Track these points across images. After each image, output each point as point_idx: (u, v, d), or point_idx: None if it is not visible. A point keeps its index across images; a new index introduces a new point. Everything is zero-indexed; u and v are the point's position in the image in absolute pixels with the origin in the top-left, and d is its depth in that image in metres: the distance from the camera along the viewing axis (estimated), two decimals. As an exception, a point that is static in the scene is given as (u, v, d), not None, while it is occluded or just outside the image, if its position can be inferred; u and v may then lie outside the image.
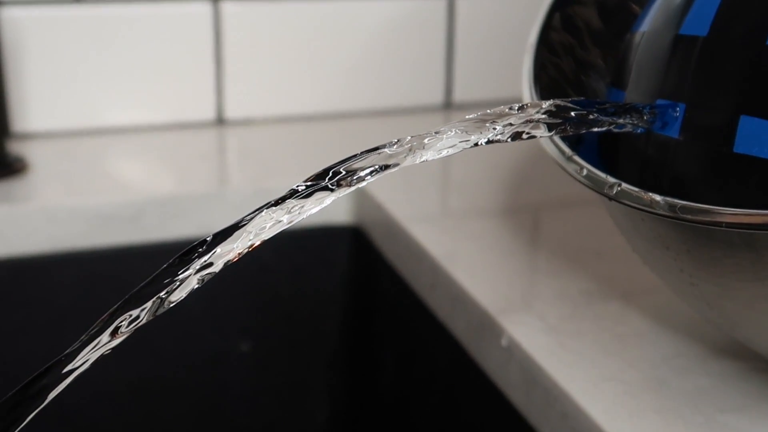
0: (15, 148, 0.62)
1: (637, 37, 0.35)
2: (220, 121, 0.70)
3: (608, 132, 0.31)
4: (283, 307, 0.61)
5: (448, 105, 0.74)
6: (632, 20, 0.37)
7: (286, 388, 0.62)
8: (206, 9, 0.67)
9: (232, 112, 0.70)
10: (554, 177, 0.62)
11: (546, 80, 0.37)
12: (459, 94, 0.74)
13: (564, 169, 0.32)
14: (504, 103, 0.80)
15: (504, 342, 0.42)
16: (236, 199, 0.58)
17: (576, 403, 0.36)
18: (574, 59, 0.38)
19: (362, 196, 0.58)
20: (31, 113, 0.65)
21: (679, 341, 0.40)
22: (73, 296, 0.57)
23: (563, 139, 0.33)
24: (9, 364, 0.56)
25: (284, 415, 0.63)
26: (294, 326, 0.62)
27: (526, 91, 0.37)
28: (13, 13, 0.63)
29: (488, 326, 0.43)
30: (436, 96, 0.74)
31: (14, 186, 0.58)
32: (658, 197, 0.28)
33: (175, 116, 0.69)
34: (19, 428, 0.25)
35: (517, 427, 0.41)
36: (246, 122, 0.70)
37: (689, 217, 0.27)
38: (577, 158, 0.32)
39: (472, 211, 0.56)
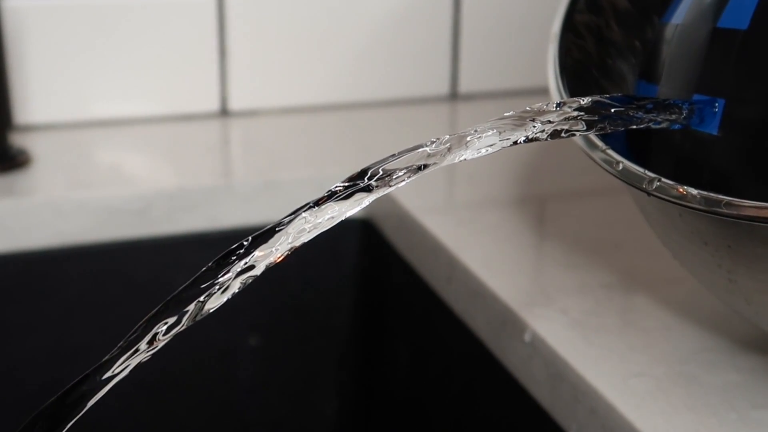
0: (18, 140, 0.61)
1: (669, 29, 0.34)
2: (225, 112, 0.69)
3: (640, 129, 0.30)
4: (293, 301, 0.61)
5: (454, 96, 0.73)
6: (659, 2, 0.37)
7: (295, 382, 0.62)
8: (210, -2, 0.66)
9: (236, 103, 0.69)
10: (565, 168, 0.62)
11: (571, 65, 0.36)
12: (465, 85, 0.73)
13: (598, 163, 0.32)
14: (509, 93, 0.80)
15: (527, 337, 0.41)
16: (245, 191, 0.58)
17: (606, 400, 0.36)
18: (598, 41, 0.37)
19: (372, 189, 0.57)
20: (33, 105, 0.64)
21: (705, 335, 0.40)
22: (80, 291, 0.56)
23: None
24: (16, 360, 0.56)
25: (293, 409, 0.62)
26: (303, 321, 0.61)
27: (551, 78, 0.37)
28: (15, 2, 0.62)
29: (510, 321, 0.42)
30: (442, 87, 0.73)
31: (18, 179, 0.57)
32: (701, 193, 0.27)
33: (179, 108, 0.68)
34: None
35: (541, 423, 0.40)
36: (250, 113, 0.69)
37: (734, 213, 0.26)
38: (611, 152, 0.31)
39: (485, 202, 0.55)
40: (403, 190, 0.55)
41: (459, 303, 0.48)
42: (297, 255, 0.66)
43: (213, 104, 0.68)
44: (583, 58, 0.36)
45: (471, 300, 0.46)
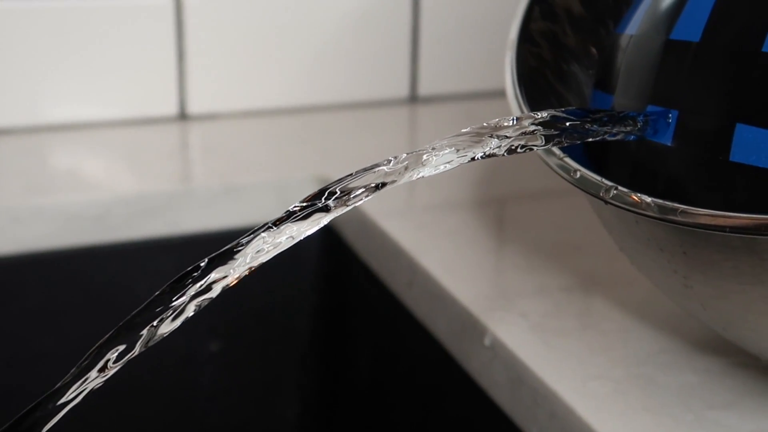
0: (-28, 146, 0.60)
1: (624, 39, 0.34)
2: (183, 116, 0.68)
3: (601, 141, 0.31)
4: (254, 306, 0.60)
5: (414, 98, 0.74)
6: (613, 7, 0.37)
7: (257, 387, 0.62)
8: (168, 2, 0.65)
9: (195, 106, 0.68)
10: (524, 171, 0.62)
11: (528, 72, 0.36)
12: (424, 88, 0.74)
13: (556, 171, 0.32)
14: (469, 95, 0.80)
15: (487, 341, 0.41)
16: (205, 196, 0.57)
17: (565, 403, 0.36)
18: (555, 48, 0.38)
19: (333, 193, 0.57)
20: (-12, 110, 0.64)
21: (662, 337, 0.40)
22: (38, 298, 0.55)
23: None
24: (-28, 370, 0.55)
25: (255, 414, 0.62)
26: (265, 326, 0.61)
27: (509, 85, 0.37)
28: (-33, 6, 0.61)
29: (470, 324, 0.43)
30: (402, 89, 0.73)
31: (-27, 186, 0.56)
32: (656, 201, 0.28)
33: (137, 111, 0.67)
34: None
35: (502, 426, 0.41)
36: (210, 117, 0.69)
37: (690, 221, 0.27)
38: (568, 160, 0.32)
39: (445, 206, 0.56)
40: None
41: (420, 307, 0.48)
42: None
43: (171, 108, 0.68)
44: (540, 64, 0.37)
45: (432, 304, 0.46)
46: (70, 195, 0.55)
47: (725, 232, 0.26)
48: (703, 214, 0.26)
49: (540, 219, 0.54)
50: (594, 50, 0.37)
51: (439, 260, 0.47)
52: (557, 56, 0.37)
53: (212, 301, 0.63)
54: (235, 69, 0.69)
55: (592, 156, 0.34)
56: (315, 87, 0.71)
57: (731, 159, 0.28)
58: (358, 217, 0.55)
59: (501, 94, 0.75)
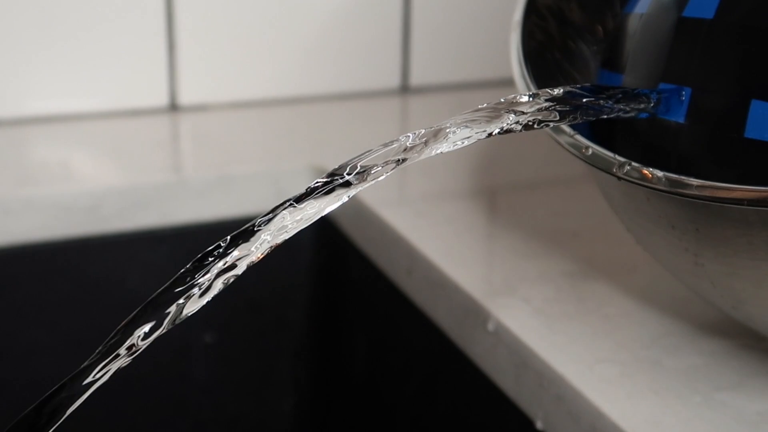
0: (-39, 137, 0.59)
1: (633, 19, 0.34)
2: (174, 107, 0.68)
3: (615, 118, 0.31)
4: (248, 297, 0.60)
5: (405, 89, 0.73)
6: None
7: (252, 379, 0.61)
8: (158, -9, 0.65)
9: (185, 97, 0.68)
10: (518, 159, 0.62)
11: (534, 50, 0.36)
12: (416, 78, 0.73)
13: (567, 149, 0.32)
14: (461, 85, 0.80)
15: (491, 327, 0.41)
16: (197, 187, 0.57)
17: (572, 386, 0.36)
18: (561, 25, 0.37)
19: (327, 182, 0.57)
20: (-24, 101, 0.63)
21: (666, 320, 0.40)
22: (30, 290, 0.55)
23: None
24: (-36, 363, 0.54)
25: (250, 406, 0.61)
26: (258, 316, 0.60)
27: (515, 64, 0.37)
28: (-46, -5, 0.60)
29: (473, 311, 0.43)
30: (393, 79, 0.73)
31: (-37, 177, 0.55)
32: (672, 176, 0.28)
33: (127, 103, 0.66)
34: None
35: (506, 411, 0.41)
36: (200, 108, 0.68)
37: (708, 195, 0.26)
38: (579, 137, 0.31)
39: (441, 194, 0.55)
40: (359, 182, 0.55)
41: (420, 295, 0.47)
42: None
43: (162, 99, 0.67)
44: (546, 41, 0.36)
45: (432, 291, 0.46)
46: (61, 186, 0.55)
47: (743, 205, 0.26)
48: (721, 188, 0.26)
49: (536, 207, 0.54)
50: (600, 29, 0.36)
51: (439, 247, 0.47)
52: (564, 34, 0.37)
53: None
54: (226, 60, 0.68)
55: (601, 138, 0.34)
56: (306, 77, 0.70)
57: (746, 135, 0.28)
58: (354, 206, 0.54)
59: (493, 83, 0.75)
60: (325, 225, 0.58)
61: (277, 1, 0.68)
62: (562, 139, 0.32)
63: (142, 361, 0.60)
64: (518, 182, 0.58)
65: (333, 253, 0.58)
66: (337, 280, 0.59)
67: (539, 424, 0.38)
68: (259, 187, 0.58)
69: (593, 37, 0.36)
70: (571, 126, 0.32)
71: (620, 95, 0.30)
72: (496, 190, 0.57)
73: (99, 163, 0.60)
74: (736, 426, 0.34)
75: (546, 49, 0.36)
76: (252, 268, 0.65)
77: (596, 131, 0.35)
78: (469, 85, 0.74)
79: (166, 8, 0.65)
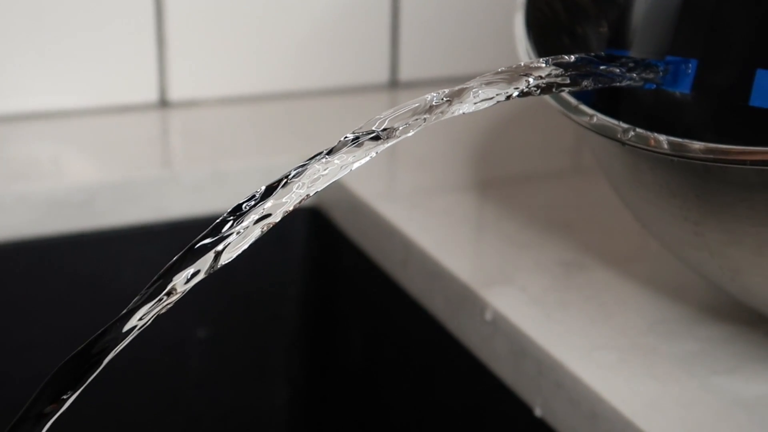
0: (-49, 133, 0.59)
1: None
2: (164, 103, 0.68)
3: (619, 87, 0.31)
4: (241, 291, 0.60)
5: (394, 83, 0.74)
6: None
7: (245, 373, 0.61)
8: (147, -13, 0.65)
9: (175, 93, 0.68)
10: (512, 152, 0.62)
11: (539, 27, 0.37)
12: (405, 73, 0.74)
13: (572, 118, 0.33)
14: (450, 80, 0.80)
15: (488, 316, 0.41)
16: (190, 182, 0.57)
17: (571, 372, 0.36)
18: (566, 9, 0.38)
19: (320, 176, 0.57)
20: (-35, 97, 0.62)
21: (662, 307, 0.41)
22: (23, 286, 0.54)
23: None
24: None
25: (244, 400, 0.61)
26: (252, 311, 0.60)
27: (520, 46, 0.37)
28: (-57, -9, 0.60)
29: (469, 300, 0.43)
30: (382, 75, 0.73)
31: (-46, 173, 0.55)
32: (677, 140, 0.28)
33: (117, 99, 0.66)
34: (82, 387, 0.25)
35: (504, 399, 0.41)
36: (191, 104, 0.68)
37: (712, 156, 0.27)
38: (584, 107, 0.32)
39: (434, 187, 0.56)
40: (353, 176, 0.55)
41: (415, 286, 0.48)
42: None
43: (152, 94, 0.67)
44: (552, 22, 0.37)
45: (428, 282, 0.46)
46: (54, 182, 0.54)
47: (745, 165, 0.26)
48: (724, 149, 0.27)
49: (529, 199, 0.54)
50: (606, 10, 0.37)
51: (434, 238, 0.47)
52: (569, 14, 0.37)
53: (198, 286, 0.63)
54: (215, 55, 0.68)
55: (605, 110, 0.35)
56: (296, 72, 0.71)
57: (750, 104, 0.29)
58: (347, 198, 0.55)
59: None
60: (318, 218, 0.59)
61: (266, -3, 0.68)
62: (568, 110, 0.32)
63: (136, 356, 0.60)
64: (511, 175, 0.58)
65: (327, 247, 0.59)
66: (331, 274, 0.59)
67: (538, 411, 0.39)
68: (250, 181, 0.59)
69: (599, 18, 0.37)
70: (576, 98, 0.33)
71: (632, 64, 0.31)
72: (489, 182, 0.57)
73: (90, 159, 0.59)
74: (733, 409, 0.34)
75: (551, 30, 0.37)
76: (245, 263, 0.65)
77: (600, 106, 0.35)
78: (458, 80, 0.74)
79: (155, 3, 0.65)
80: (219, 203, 0.57)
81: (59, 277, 0.55)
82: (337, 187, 0.56)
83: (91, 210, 0.55)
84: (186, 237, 0.60)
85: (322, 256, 0.59)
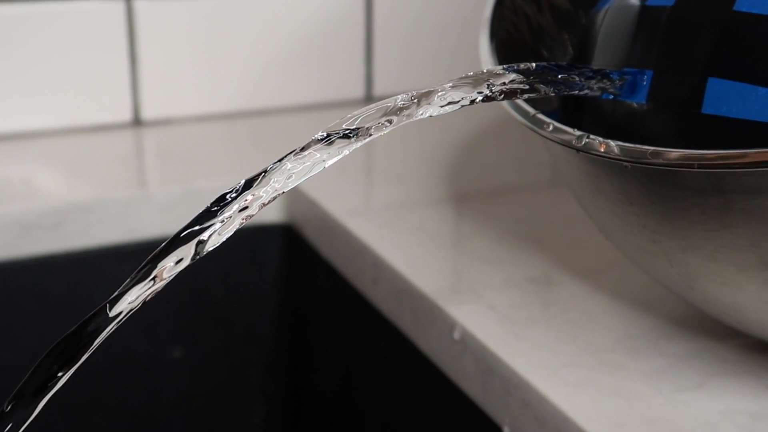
0: None
1: (600, 14, 0.35)
2: (137, 122, 0.68)
3: (576, 96, 0.32)
4: (215, 310, 0.60)
5: (369, 98, 0.74)
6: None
7: (221, 392, 0.61)
8: (118, 6, 0.65)
9: (149, 112, 0.68)
10: (481, 167, 0.62)
11: (503, 53, 0.37)
12: (379, 88, 0.74)
13: (529, 126, 0.33)
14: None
15: (456, 334, 0.41)
16: (162, 202, 0.57)
17: (537, 391, 0.36)
18: (530, 28, 0.39)
19: (293, 193, 0.57)
20: (-64, 119, 0.62)
21: (630, 322, 0.41)
22: (-6, 310, 0.54)
23: (525, 100, 0.34)
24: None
25: (220, 420, 0.61)
26: (227, 329, 0.60)
27: (485, 65, 0.38)
28: None
29: (439, 318, 0.43)
30: (357, 90, 0.73)
31: (-76, 197, 0.55)
32: (627, 145, 0.29)
33: (90, 119, 0.66)
34: (73, 369, 0.27)
35: (473, 417, 0.41)
36: (164, 122, 0.68)
37: (660, 161, 0.27)
38: (541, 116, 0.33)
39: (405, 203, 0.56)
40: (325, 194, 0.55)
41: (386, 303, 0.48)
42: (218, 263, 0.64)
43: (125, 114, 0.67)
44: (519, 42, 0.38)
45: (398, 300, 0.46)
46: (25, 204, 0.54)
47: (693, 168, 0.27)
48: (672, 153, 0.27)
49: (499, 214, 0.54)
50: (569, 30, 0.38)
51: (404, 256, 0.47)
52: (533, 35, 0.38)
53: (173, 306, 0.62)
54: (189, 73, 0.68)
55: (567, 122, 0.35)
56: (270, 89, 0.71)
57: (703, 111, 0.29)
58: (319, 215, 0.55)
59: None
60: (291, 236, 0.59)
61: (239, 15, 0.68)
62: (525, 118, 0.33)
63: (110, 377, 0.59)
64: (484, 190, 0.58)
65: (300, 265, 0.58)
66: (304, 292, 0.59)
67: (506, 430, 0.39)
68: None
69: (563, 40, 0.38)
70: (544, 112, 0.34)
71: (590, 73, 0.32)
72: (462, 197, 0.57)
73: (62, 180, 0.59)
74: (698, 426, 0.34)
75: (517, 51, 0.37)
76: (219, 281, 0.64)
77: (565, 119, 0.36)
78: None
79: (127, 22, 0.65)
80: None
81: (31, 300, 0.55)
82: (308, 203, 0.56)
83: (62, 232, 0.55)
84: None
85: (296, 274, 0.59)
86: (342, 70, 0.72)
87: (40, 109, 0.65)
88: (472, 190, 0.59)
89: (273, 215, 0.59)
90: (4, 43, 0.63)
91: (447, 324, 0.42)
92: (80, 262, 0.56)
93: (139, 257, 0.59)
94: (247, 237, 0.59)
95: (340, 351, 0.55)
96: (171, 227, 0.57)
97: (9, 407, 0.26)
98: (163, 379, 0.59)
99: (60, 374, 0.27)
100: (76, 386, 0.58)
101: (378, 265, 0.48)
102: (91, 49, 0.65)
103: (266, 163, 0.65)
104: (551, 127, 0.32)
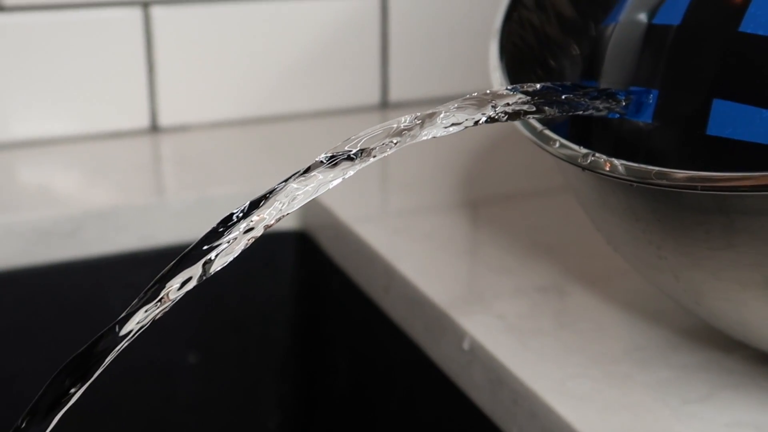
0: (-59, 164, 0.60)
1: (609, 30, 0.36)
2: (155, 128, 0.68)
3: (583, 116, 0.32)
4: (230, 316, 0.60)
5: (385, 104, 0.74)
6: (601, 6, 0.38)
7: (236, 398, 0.61)
8: (136, 14, 0.65)
9: (166, 118, 0.68)
10: (494, 174, 0.63)
11: (512, 65, 0.38)
12: (395, 94, 0.74)
13: (536, 142, 0.33)
14: (439, 100, 0.81)
15: (466, 345, 0.42)
16: (178, 208, 0.57)
17: (545, 402, 0.37)
18: (539, 41, 0.39)
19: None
20: (-44, 127, 0.63)
21: (638, 333, 0.41)
22: (11, 316, 0.55)
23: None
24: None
25: (235, 425, 0.62)
26: (242, 335, 0.61)
27: (494, 74, 0.38)
28: (-68, 23, 0.61)
29: (449, 328, 0.43)
30: (373, 96, 0.73)
31: (-56, 204, 0.55)
32: (633, 165, 0.29)
33: (108, 125, 0.67)
34: (85, 386, 0.27)
35: (482, 427, 0.41)
36: (181, 129, 0.69)
37: (664, 182, 0.28)
38: (548, 132, 0.33)
39: (419, 210, 0.56)
40: (339, 201, 0.56)
41: (397, 312, 0.48)
42: (233, 269, 0.65)
43: (143, 120, 0.68)
44: (527, 53, 0.38)
45: (409, 308, 0.47)
46: (42, 211, 0.55)
47: (697, 190, 0.27)
48: (677, 173, 0.27)
49: (512, 221, 0.54)
50: (578, 48, 0.38)
51: (415, 264, 0.48)
52: (541, 46, 0.38)
53: (189, 312, 0.63)
54: (205, 80, 0.69)
55: (576, 136, 0.35)
56: (286, 96, 0.71)
57: (708, 133, 0.29)
58: (332, 223, 0.55)
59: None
60: (305, 243, 0.59)
61: (255, 21, 0.68)
62: (533, 135, 0.33)
63: (126, 382, 0.60)
64: (495, 198, 0.59)
65: (314, 271, 0.59)
66: (318, 298, 0.59)
67: (514, 440, 0.39)
68: (238, 207, 0.59)
69: (573, 51, 0.38)
70: (552, 129, 0.34)
71: (595, 93, 0.32)
72: (471, 205, 0.58)
73: (80, 187, 0.60)
74: (705, 439, 0.34)
75: (525, 62, 0.38)
76: (234, 288, 0.65)
77: (574, 133, 0.36)
78: (447, 100, 0.75)
79: (144, 30, 0.66)
80: (206, 230, 0.58)
81: (49, 306, 0.56)
82: (322, 210, 0.56)
83: (79, 238, 0.55)
84: (173, 264, 0.60)
85: (309, 280, 0.60)
86: (357, 76, 0.73)
87: (58, 115, 0.65)
88: (485, 198, 0.59)
89: (287, 222, 0.59)
90: (22, 50, 0.63)
91: (457, 334, 0.42)
92: (97, 269, 0.56)
93: (156, 264, 0.60)
94: (261, 244, 0.59)
95: (353, 357, 0.56)
96: (187, 234, 0.57)
97: (24, 423, 0.27)
98: (179, 384, 0.60)
99: (72, 390, 0.27)
100: (92, 391, 0.59)
101: (389, 273, 0.48)
102: (108, 56, 0.66)
103: (282, 170, 0.65)
104: (557, 144, 0.32)
